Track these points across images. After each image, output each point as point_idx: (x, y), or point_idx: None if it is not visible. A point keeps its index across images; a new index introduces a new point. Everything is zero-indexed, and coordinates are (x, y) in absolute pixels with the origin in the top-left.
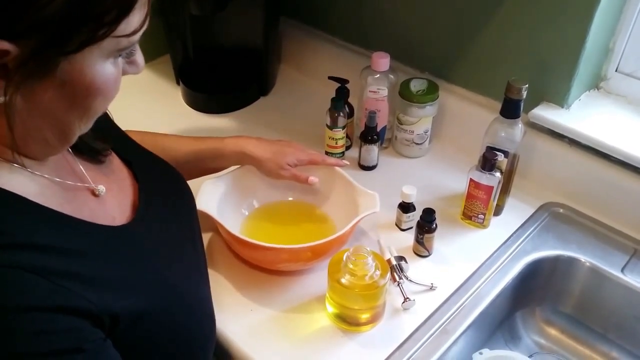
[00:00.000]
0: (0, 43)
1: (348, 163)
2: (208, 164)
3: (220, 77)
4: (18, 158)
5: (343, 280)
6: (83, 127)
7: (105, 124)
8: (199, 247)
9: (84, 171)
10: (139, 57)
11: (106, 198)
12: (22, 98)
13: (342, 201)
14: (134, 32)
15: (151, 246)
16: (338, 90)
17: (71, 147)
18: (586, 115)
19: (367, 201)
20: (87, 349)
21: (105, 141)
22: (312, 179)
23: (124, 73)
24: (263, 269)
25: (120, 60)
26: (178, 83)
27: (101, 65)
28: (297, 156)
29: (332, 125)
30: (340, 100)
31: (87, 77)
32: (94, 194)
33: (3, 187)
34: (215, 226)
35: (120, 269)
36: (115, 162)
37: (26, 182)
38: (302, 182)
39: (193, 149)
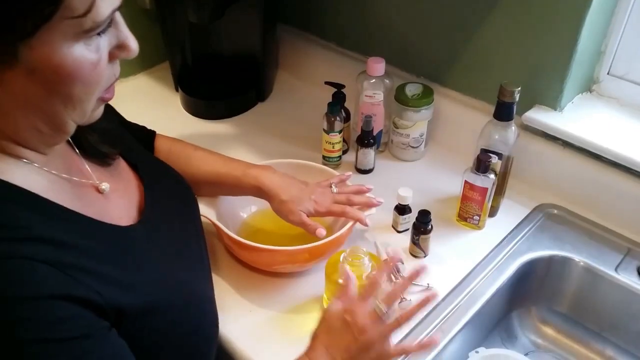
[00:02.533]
0: None
1: (369, 224)
2: (226, 190)
3: (219, 84)
4: (14, 149)
5: (340, 281)
6: (75, 116)
7: (114, 127)
8: (203, 248)
9: (89, 170)
10: (129, 40)
11: (112, 198)
12: None
13: None
14: (89, 10)
15: (157, 246)
16: (334, 95)
17: (79, 150)
18: (579, 118)
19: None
20: (94, 335)
21: (113, 145)
22: (320, 231)
23: (115, 57)
24: (261, 270)
25: (101, 44)
26: (177, 90)
27: (68, 49)
28: (316, 207)
29: (329, 130)
30: (337, 105)
31: (54, 62)
32: (99, 191)
33: (14, 182)
34: (214, 229)
35: (127, 267)
36: (121, 165)
37: (35, 177)
38: (310, 232)
39: (216, 170)
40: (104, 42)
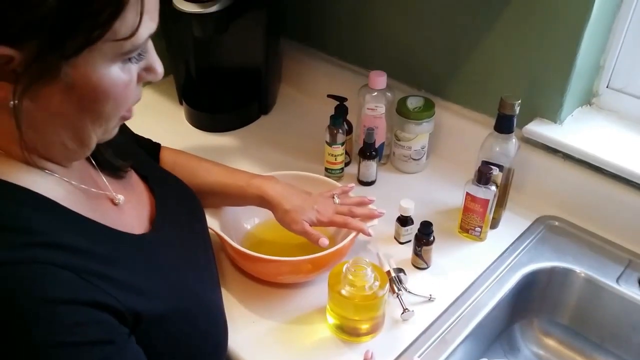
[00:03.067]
0: (2, 49)
1: (372, 234)
2: (230, 201)
3: (222, 97)
4: (38, 161)
5: (343, 292)
6: (99, 132)
7: (127, 141)
8: (211, 258)
9: (105, 181)
10: (156, 64)
11: (125, 209)
12: (32, 102)
13: None
14: (132, 35)
15: (169, 255)
16: (337, 108)
17: (94, 162)
18: (579, 130)
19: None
20: (116, 341)
21: (125, 158)
22: (323, 240)
23: (141, 79)
24: (265, 281)
25: (133, 66)
26: (181, 103)
27: (106, 70)
28: (318, 217)
29: (332, 142)
30: (339, 118)
31: (92, 81)
32: (114, 203)
33: (35, 190)
34: (218, 240)
35: (142, 274)
36: (133, 177)
37: (54, 187)
38: (313, 241)
39: (221, 180)
40: (135, 65)
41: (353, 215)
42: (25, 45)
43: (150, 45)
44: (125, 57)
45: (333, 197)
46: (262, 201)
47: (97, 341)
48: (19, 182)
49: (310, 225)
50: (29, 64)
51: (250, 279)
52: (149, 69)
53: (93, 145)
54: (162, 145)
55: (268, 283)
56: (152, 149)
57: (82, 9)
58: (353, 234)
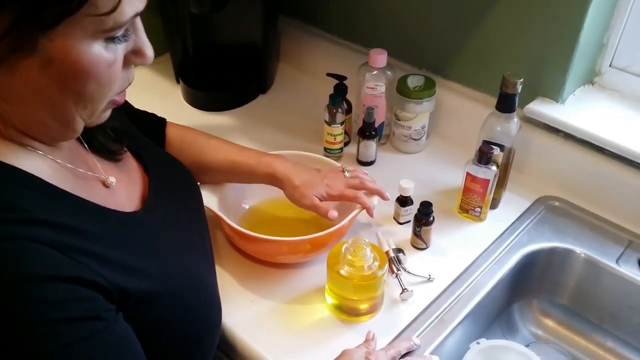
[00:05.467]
0: None
1: (374, 217)
2: (241, 178)
3: (220, 75)
4: (20, 137)
5: (342, 272)
6: (85, 115)
7: (121, 124)
8: (206, 238)
9: (96, 162)
10: (145, 47)
11: (116, 188)
12: (7, 76)
13: None
14: (114, 9)
15: (160, 233)
16: (336, 87)
17: (88, 146)
18: (581, 110)
19: (365, 195)
20: (105, 317)
21: (121, 142)
22: (332, 213)
23: (130, 63)
24: (263, 261)
25: (119, 47)
26: (178, 81)
27: (87, 47)
28: (328, 190)
29: (331, 122)
30: (339, 97)
31: (72, 57)
32: (105, 184)
33: (19, 166)
34: (216, 220)
35: (132, 251)
36: (127, 156)
37: (38, 164)
38: (322, 215)
39: (231, 158)
40: (121, 45)
41: (364, 187)
42: (0, 14)
43: (139, 26)
44: (107, 34)
45: (344, 171)
46: (273, 179)
47: (81, 317)
48: (1, 159)
49: (321, 200)
50: (4, 35)
51: (249, 259)
52: (137, 52)
53: (78, 128)
54: (167, 121)
55: (266, 263)
56: (158, 124)
57: None
58: (353, 214)
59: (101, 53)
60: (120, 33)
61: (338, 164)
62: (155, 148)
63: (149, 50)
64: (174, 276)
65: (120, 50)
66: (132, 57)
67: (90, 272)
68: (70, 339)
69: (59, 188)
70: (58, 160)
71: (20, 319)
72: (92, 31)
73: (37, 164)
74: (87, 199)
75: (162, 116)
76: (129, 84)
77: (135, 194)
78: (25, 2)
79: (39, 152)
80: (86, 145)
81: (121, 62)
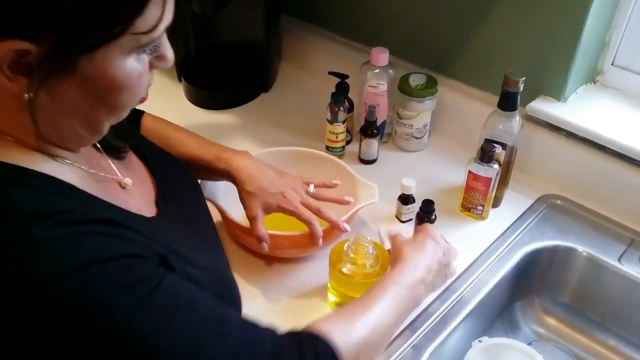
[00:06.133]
0: (20, 43)
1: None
2: (200, 174)
3: (222, 74)
4: (52, 149)
5: (344, 270)
6: (112, 120)
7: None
8: (217, 234)
9: (110, 163)
10: (167, 51)
11: (132, 191)
12: (47, 95)
13: (342, 192)
14: (152, 29)
15: (181, 236)
16: (338, 85)
17: (98, 145)
18: (583, 109)
19: (366, 192)
20: (171, 275)
21: (125, 139)
22: (264, 244)
23: (153, 67)
24: (265, 257)
25: (146, 56)
26: (180, 80)
27: (122, 62)
28: (281, 203)
29: (333, 120)
30: (341, 95)
31: (108, 74)
32: (121, 186)
33: (55, 176)
34: (218, 215)
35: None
36: (133, 157)
37: (69, 173)
38: (254, 232)
39: (191, 152)
40: (146, 54)
41: (319, 215)
42: (42, 39)
43: (164, 33)
44: (141, 49)
45: (308, 185)
46: (229, 176)
47: (145, 277)
48: (41, 170)
49: (270, 212)
50: (46, 58)
51: (251, 254)
52: (160, 57)
53: (105, 132)
54: (145, 112)
55: (269, 260)
56: (135, 114)
57: (103, 7)
58: (353, 209)
59: (134, 66)
60: (152, 45)
61: (340, 161)
62: (157, 148)
63: (170, 54)
64: (205, 275)
65: (147, 58)
66: (155, 62)
67: (145, 249)
68: (144, 294)
69: (92, 194)
70: (83, 167)
71: (100, 297)
72: (129, 48)
73: (67, 173)
74: (113, 203)
75: (164, 114)
76: (150, 84)
77: (148, 197)
78: (69, 30)
79: (66, 161)
80: (99, 146)
81: (148, 69)
